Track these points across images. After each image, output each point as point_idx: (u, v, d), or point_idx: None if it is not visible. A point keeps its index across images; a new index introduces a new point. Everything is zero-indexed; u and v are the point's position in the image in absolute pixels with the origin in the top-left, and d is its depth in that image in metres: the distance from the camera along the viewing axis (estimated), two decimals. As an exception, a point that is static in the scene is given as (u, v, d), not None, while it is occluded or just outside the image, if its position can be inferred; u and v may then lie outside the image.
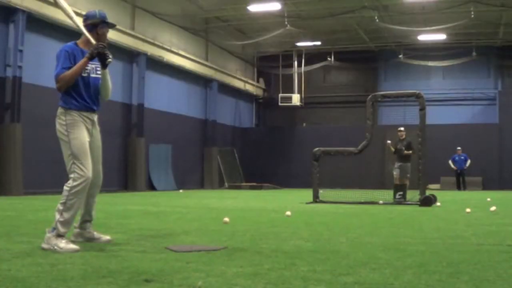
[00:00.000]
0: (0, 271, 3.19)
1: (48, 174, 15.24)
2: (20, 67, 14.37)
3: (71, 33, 16.46)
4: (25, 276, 3.05)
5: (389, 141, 15.39)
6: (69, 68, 4.40)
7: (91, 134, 4.55)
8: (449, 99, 27.33)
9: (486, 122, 26.17)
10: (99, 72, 4.59)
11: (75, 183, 4.25)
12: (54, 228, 4.20)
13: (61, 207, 4.23)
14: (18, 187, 13.97)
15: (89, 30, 4.58)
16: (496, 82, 27.23)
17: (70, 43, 4.56)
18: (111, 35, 17.60)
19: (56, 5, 4.59)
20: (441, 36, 24.80)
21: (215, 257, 3.88)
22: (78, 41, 4.63)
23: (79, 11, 16.45)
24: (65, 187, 4.28)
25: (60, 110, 4.47)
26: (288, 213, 8.14)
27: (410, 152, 14.80)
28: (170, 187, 21.47)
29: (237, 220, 7.14)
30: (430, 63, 27.19)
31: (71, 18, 4.52)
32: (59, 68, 4.40)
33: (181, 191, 20.35)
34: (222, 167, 25.87)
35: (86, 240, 4.64)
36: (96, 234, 4.71)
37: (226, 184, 25.50)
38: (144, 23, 20.18)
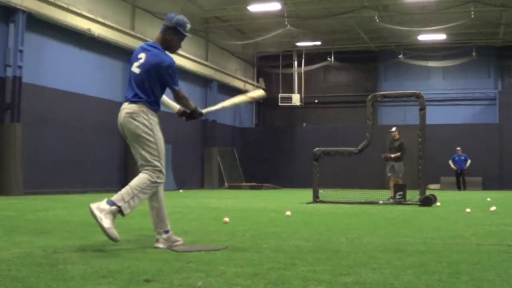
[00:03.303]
0: (0, 271, 3.18)
1: (48, 174, 15.23)
2: (20, 67, 14.35)
3: (71, 33, 16.50)
4: (25, 276, 3.05)
5: (383, 155, 14.69)
6: None
7: None
8: (449, 99, 27.32)
9: (486, 122, 26.16)
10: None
11: (159, 181, 4.56)
12: (114, 204, 4.18)
13: (136, 191, 4.31)
14: (18, 187, 13.96)
15: (163, 30, 4.70)
16: (496, 82, 27.22)
17: (160, 48, 4.67)
18: (109, 34, 17.68)
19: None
20: (441, 36, 24.79)
21: (215, 257, 3.88)
22: (156, 40, 4.73)
23: (79, 11, 16.49)
24: (148, 177, 4.45)
25: (143, 107, 4.65)
26: (288, 213, 8.14)
27: (398, 154, 13.91)
28: (170, 187, 21.43)
29: (237, 220, 7.14)
30: (430, 63, 27.19)
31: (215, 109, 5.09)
32: (178, 82, 4.72)
33: (181, 191, 20.34)
34: (222, 167, 25.85)
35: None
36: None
37: (226, 184, 25.50)
38: (144, 23, 20.16)
